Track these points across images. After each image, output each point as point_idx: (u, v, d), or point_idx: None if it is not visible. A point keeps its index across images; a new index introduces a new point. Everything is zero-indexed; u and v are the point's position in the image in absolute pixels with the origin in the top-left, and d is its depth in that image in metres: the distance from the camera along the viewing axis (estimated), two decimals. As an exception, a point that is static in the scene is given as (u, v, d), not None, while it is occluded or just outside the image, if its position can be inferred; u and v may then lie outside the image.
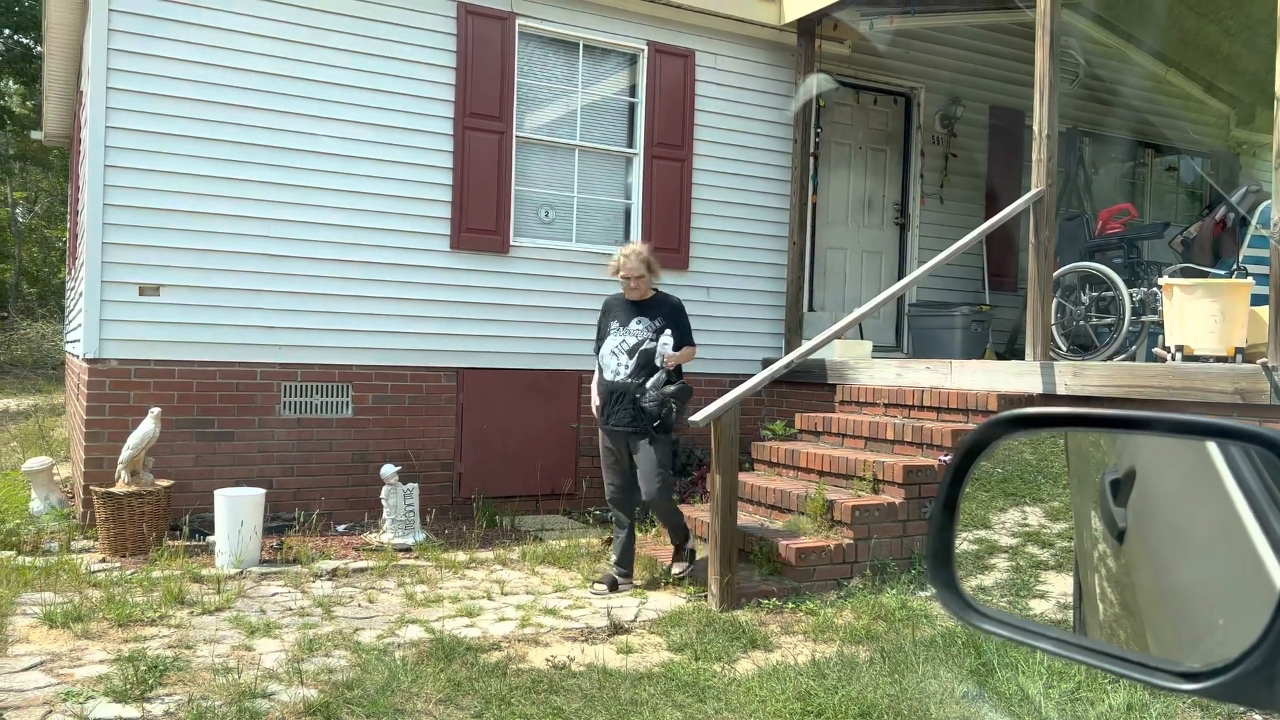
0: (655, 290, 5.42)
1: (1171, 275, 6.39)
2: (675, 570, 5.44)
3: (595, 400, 5.49)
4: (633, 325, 5.29)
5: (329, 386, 6.71)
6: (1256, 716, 3.60)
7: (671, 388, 5.23)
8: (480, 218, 7.06)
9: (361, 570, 5.57)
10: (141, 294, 6.16)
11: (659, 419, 5.20)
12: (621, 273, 5.33)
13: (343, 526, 6.55)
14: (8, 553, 5.54)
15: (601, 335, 5.45)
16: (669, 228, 7.67)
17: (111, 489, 5.67)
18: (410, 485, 6.30)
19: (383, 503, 6.24)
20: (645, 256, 5.34)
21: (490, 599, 5.11)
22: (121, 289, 6.12)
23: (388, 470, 6.23)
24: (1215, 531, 0.96)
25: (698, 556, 5.53)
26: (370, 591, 5.17)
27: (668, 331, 5.28)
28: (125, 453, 5.69)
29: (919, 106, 9.09)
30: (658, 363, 5.25)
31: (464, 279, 7.03)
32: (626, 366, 5.26)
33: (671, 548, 5.58)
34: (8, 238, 24.77)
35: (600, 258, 7.41)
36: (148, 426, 5.69)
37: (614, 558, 5.47)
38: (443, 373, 7.01)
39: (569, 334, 7.28)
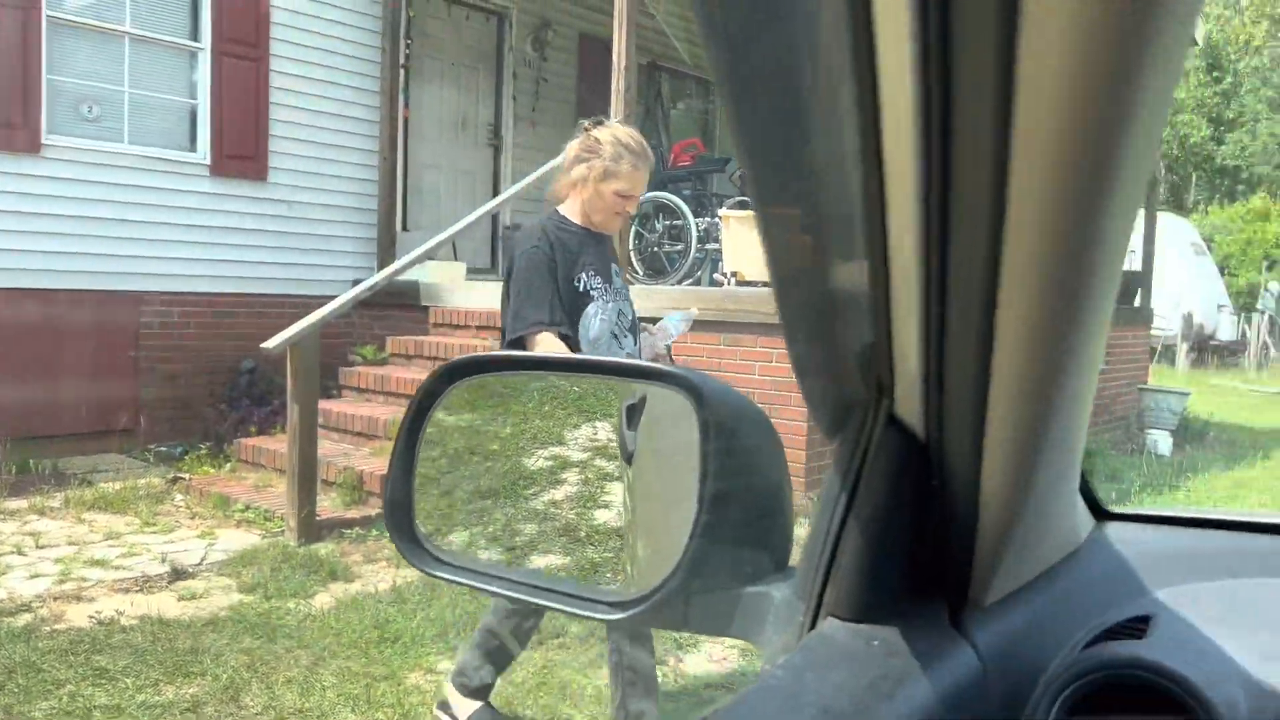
0: None
1: (730, 207, 7.02)
2: None
3: None
4: (616, 281, 2.94)
5: None
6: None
7: None
8: None
9: None
10: None
11: None
12: (623, 187, 2.83)
13: None
14: None
15: (572, 298, 2.80)
16: (244, 133, 7.01)
17: None
18: (-86, 427, 5.28)
19: (-125, 450, 5.17)
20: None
21: (22, 554, 4.45)
22: None
23: (-119, 411, 5.16)
24: (678, 460, 1.01)
25: (277, 490, 5.23)
26: None
27: (680, 314, 3.22)
28: None
29: (511, 27, 9.06)
30: (663, 348, 3.13)
31: (-17, 181, 5.92)
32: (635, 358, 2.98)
33: (245, 484, 5.21)
34: None
35: (160, 163, 6.62)
36: None
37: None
38: (-42, 293, 5.91)
39: (125, 249, 6.45)
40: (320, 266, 7.52)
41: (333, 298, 6.00)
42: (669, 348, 3.16)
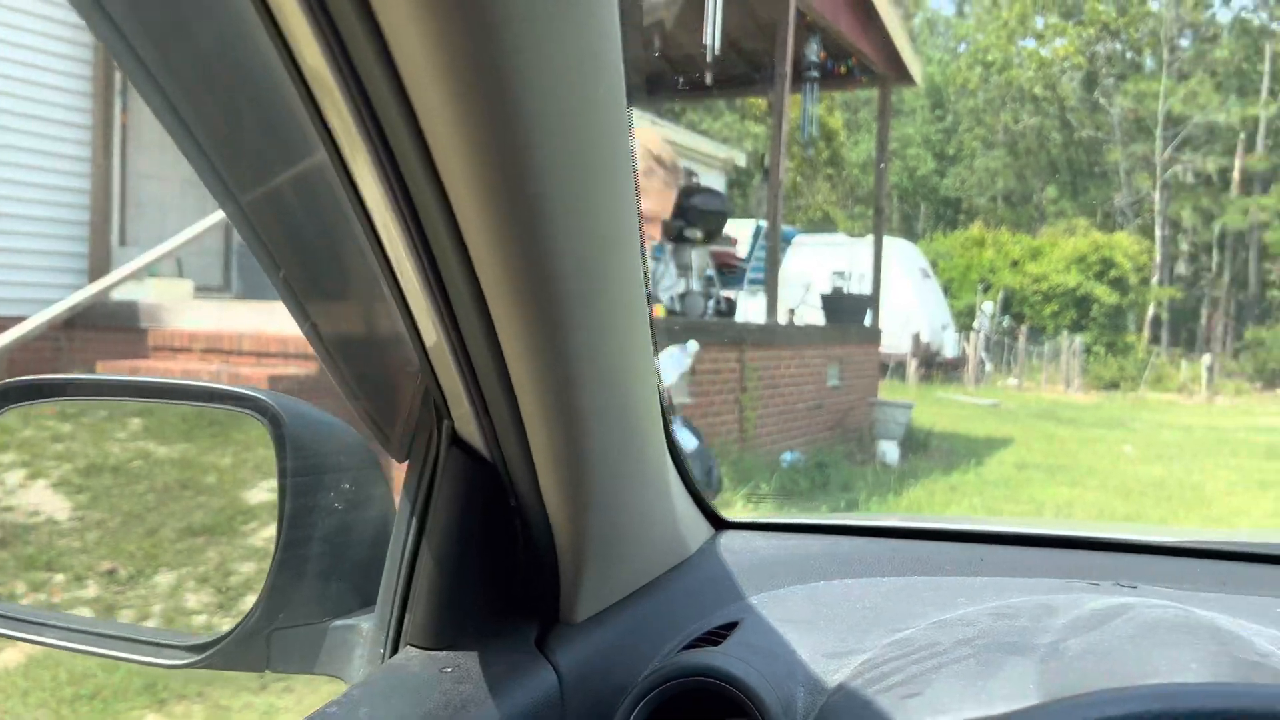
0: None
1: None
2: None
3: None
4: None
5: None
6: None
7: None
8: None
9: None
10: None
11: None
12: (647, 207, 2.48)
13: None
14: None
15: None
16: (-79, 134, 6.21)
17: None
18: None
19: None
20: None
21: None
22: None
23: None
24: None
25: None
26: None
27: (678, 348, 2.75)
28: None
29: (250, 32, 8.58)
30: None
31: None
32: None
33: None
34: None
35: None
36: None
37: None
38: None
39: None
40: (19, 284, 6.75)
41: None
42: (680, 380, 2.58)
